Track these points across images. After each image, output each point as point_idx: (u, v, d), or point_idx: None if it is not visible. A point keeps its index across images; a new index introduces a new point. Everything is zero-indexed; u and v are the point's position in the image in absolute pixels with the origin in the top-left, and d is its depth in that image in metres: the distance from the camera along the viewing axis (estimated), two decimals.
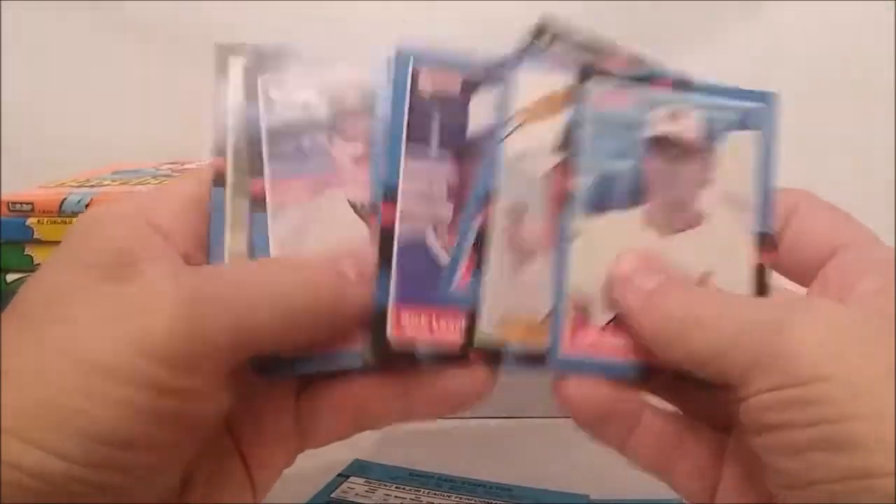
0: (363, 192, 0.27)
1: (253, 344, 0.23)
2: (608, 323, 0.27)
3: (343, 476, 0.40)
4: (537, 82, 0.27)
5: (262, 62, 0.28)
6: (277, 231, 0.27)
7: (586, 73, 0.28)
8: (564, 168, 0.27)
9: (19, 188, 0.43)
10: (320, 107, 0.28)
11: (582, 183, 0.27)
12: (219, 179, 0.27)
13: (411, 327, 0.26)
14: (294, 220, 0.27)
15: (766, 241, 0.27)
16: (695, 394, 0.27)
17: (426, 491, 0.38)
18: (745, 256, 0.27)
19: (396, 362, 0.26)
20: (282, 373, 0.26)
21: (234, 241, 0.27)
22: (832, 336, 0.22)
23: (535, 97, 0.27)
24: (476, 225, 0.27)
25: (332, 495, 0.38)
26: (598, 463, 0.41)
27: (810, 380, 0.21)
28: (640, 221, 0.27)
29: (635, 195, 0.27)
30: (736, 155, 0.28)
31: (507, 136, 0.27)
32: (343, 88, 0.28)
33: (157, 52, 0.62)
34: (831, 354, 0.21)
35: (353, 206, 0.27)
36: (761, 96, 0.28)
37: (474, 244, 0.27)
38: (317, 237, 0.27)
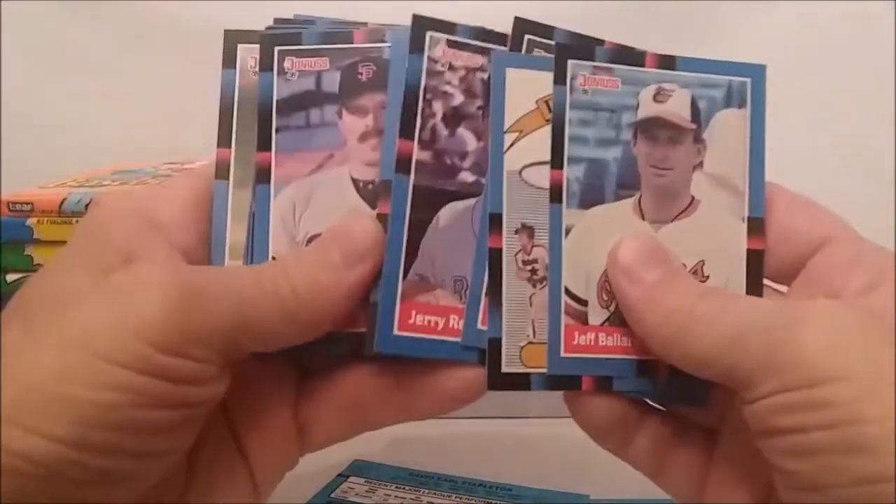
0: (367, 169, 0.27)
1: (247, 334, 0.24)
2: (605, 321, 0.26)
3: (343, 476, 0.40)
4: (526, 88, 0.26)
5: (279, 32, 0.27)
6: (279, 205, 0.27)
7: (566, 53, 0.26)
8: (552, 160, 0.26)
9: (19, 188, 0.43)
10: (332, 79, 0.27)
11: (570, 175, 0.26)
12: (221, 172, 0.27)
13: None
14: (295, 195, 0.27)
15: (758, 226, 0.26)
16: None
17: (426, 491, 0.38)
18: (738, 243, 0.26)
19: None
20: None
21: (234, 233, 0.27)
22: (841, 338, 0.22)
23: (527, 105, 0.26)
24: (486, 254, 0.26)
25: (332, 495, 0.38)
26: (598, 463, 0.41)
27: (822, 381, 0.21)
28: (632, 212, 0.26)
29: (627, 184, 0.26)
30: (725, 135, 0.27)
31: (505, 151, 0.26)
32: (356, 61, 0.27)
33: (157, 52, 0.62)
34: (842, 356, 0.21)
35: (356, 184, 0.27)
36: (749, 70, 0.27)
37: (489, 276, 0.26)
38: (316, 214, 0.27)
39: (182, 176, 0.28)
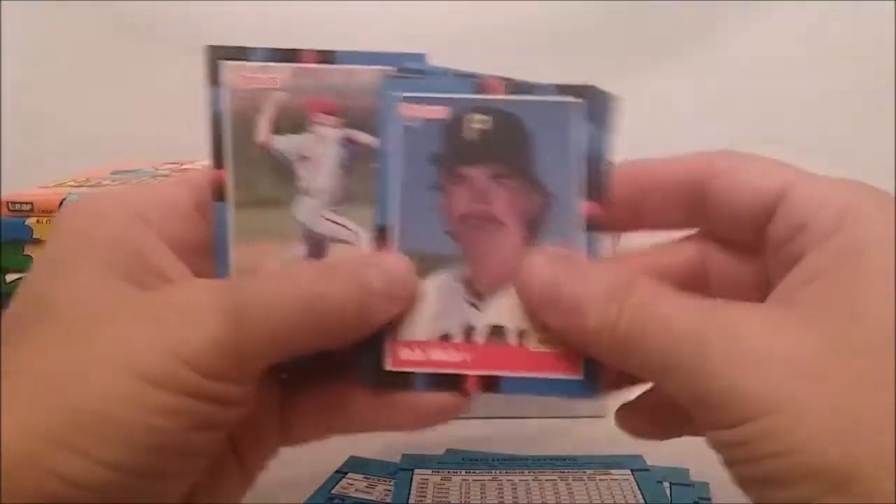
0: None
1: (284, 352, 0.24)
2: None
3: (341, 472, 0.40)
4: None
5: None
6: None
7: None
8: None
9: (19, 188, 0.43)
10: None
11: None
12: (218, 194, 0.27)
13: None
14: None
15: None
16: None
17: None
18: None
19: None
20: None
21: (239, 254, 0.27)
22: (762, 371, 0.21)
23: None
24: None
25: (333, 491, 0.38)
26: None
27: (744, 420, 0.20)
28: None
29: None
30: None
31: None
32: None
33: (157, 52, 0.62)
34: (764, 393, 0.20)
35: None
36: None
37: None
38: None
39: (169, 183, 0.28)
